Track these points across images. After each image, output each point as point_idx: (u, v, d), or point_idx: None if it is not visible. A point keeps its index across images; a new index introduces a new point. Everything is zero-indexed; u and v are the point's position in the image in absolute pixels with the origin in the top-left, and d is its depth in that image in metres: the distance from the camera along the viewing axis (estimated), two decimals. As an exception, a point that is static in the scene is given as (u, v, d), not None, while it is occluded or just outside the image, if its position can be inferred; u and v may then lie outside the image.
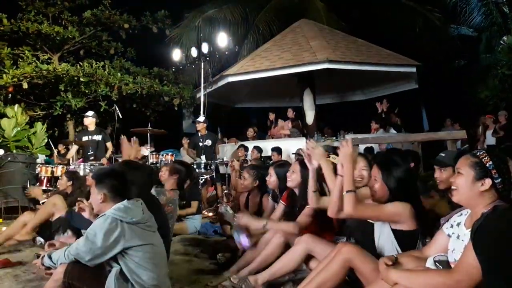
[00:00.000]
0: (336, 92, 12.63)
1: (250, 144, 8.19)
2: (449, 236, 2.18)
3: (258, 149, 7.69)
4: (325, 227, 3.17)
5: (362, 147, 6.15)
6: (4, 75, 9.56)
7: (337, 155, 2.78)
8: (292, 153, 6.94)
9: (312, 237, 2.87)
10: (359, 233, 2.76)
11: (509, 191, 1.96)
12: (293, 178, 3.40)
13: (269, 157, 7.46)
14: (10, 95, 10.11)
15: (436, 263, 2.12)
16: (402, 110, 9.70)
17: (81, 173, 5.74)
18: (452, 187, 2.08)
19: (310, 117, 9.88)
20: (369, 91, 12.31)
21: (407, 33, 12.99)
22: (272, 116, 10.07)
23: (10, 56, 10.52)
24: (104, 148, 7.03)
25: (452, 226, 2.19)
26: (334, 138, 8.62)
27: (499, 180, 1.91)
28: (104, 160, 6.90)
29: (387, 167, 2.60)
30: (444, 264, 2.10)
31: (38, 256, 2.61)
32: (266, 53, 10.01)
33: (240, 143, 8.40)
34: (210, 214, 6.37)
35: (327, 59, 8.61)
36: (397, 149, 4.77)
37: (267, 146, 8.12)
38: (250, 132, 9.85)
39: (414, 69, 9.46)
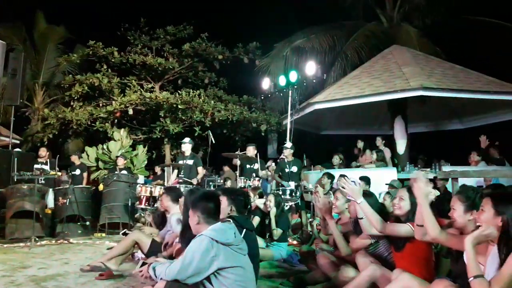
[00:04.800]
0: (430, 120, 11.95)
1: (336, 172, 8.03)
2: None
3: (345, 178, 7.51)
4: (425, 263, 3.00)
5: (461, 181, 5.69)
6: (113, 102, 10.71)
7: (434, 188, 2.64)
8: (386, 184, 6.65)
9: (412, 278, 2.72)
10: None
11: None
12: (401, 206, 3.29)
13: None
14: (116, 120, 11.25)
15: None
16: (503, 141, 8.80)
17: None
18: None
19: (401, 146, 9.44)
20: (467, 120, 11.44)
21: (510, 57, 11.94)
22: (360, 144, 9.81)
23: (118, 85, 11.76)
24: (195, 171, 7.44)
25: None
26: (428, 169, 8.10)
27: None
28: (194, 181, 7.30)
29: (504, 202, 2.26)
30: None
31: (143, 264, 2.79)
32: (354, 80, 9.89)
33: (325, 170, 8.28)
34: (295, 242, 6.33)
35: (421, 86, 8.24)
36: (502, 184, 4.32)
37: (354, 175, 7.90)
38: (336, 159, 9.67)
39: (520, 97, 8.61)
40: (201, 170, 7.59)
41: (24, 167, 7.09)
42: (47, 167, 7.98)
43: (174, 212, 4.67)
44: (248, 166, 7.68)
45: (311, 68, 9.68)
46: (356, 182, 3.38)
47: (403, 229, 3.06)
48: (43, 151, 8.46)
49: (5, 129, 10.36)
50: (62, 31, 16.90)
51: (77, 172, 8.54)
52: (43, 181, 7.19)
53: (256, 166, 7.68)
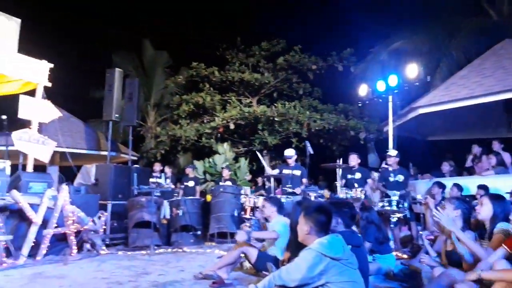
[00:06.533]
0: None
1: (447, 181, 7.46)
2: None
3: (458, 187, 6.95)
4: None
5: None
6: (216, 118, 11.41)
7: None
8: (506, 192, 5.99)
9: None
10: None
11: None
12: (482, 210, 3.01)
13: (473, 196, 6.62)
14: (219, 134, 11.94)
15: None
16: None
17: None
18: None
19: (522, 150, 8.43)
20: None
21: None
22: (476, 150, 8.97)
23: (220, 102, 12.50)
24: (300, 182, 7.52)
25: None
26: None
27: None
28: (297, 190, 7.39)
29: None
30: None
31: None
32: (462, 81, 9.14)
33: (435, 179, 7.74)
34: (405, 256, 6.01)
35: (544, 82, 7.33)
36: None
37: (468, 183, 7.27)
38: (446, 167, 8.99)
39: None
40: (305, 182, 7.67)
41: (142, 181, 7.86)
42: (161, 181, 8.74)
43: (278, 220, 4.78)
44: (349, 176, 7.51)
45: (412, 70, 9.19)
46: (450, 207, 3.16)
47: None
48: (157, 166, 9.29)
49: (125, 147, 11.58)
50: (167, 56, 18.51)
51: (191, 184, 9.19)
52: (158, 194, 7.87)
53: (358, 175, 7.49)
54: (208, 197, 8.59)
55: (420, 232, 6.40)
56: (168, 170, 9.23)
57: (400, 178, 7.41)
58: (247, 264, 5.00)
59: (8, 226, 5.52)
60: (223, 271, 4.61)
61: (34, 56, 6.91)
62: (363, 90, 10.42)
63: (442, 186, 7.10)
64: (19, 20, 6.79)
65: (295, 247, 3.10)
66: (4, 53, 6.47)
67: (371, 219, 5.08)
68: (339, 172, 7.25)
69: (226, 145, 10.77)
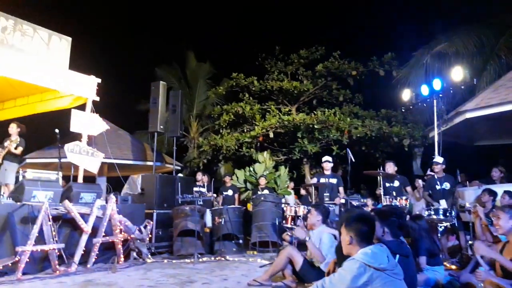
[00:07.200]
0: None
1: (498, 188, 7.09)
2: None
3: (511, 194, 6.57)
4: None
5: None
6: (256, 127, 11.51)
7: None
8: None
9: None
10: None
11: None
12: None
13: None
14: (259, 143, 12.03)
15: None
16: None
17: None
18: None
19: None
20: None
21: None
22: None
23: (259, 111, 12.61)
24: (337, 190, 7.46)
25: None
26: None
27: None
28: (337, 200, 7.31)
29: None
30: None
31: None
32: (512, 83, 8.68)
33: (484, 186, 7.38)
34: (453, 267, 5.77)
35: None
36: None
37: (522, 190, 6.85)
38: (496, 173, 8.54)
39: None
40: (342, 190, 7.59)
41: (186, 190, 8.04)
42: (204, 190, 8.91)
43: (322, 230, 4.72)
44: (387, 184, 7.34)
45: (457, 73, 8.86)
46: None
47: None
48: (199, 175, 9.49)
49: (169, 158, 11.92)
50: (208, 67, 18.93)
51: (229, 192, 9.34)
52: (201, 202, 8.02)
53: (397, 183, 7.32)
54: (249, 206, 8.66)
55: (470, 242, 6.13)
56: (205, 179, 9.40)
57: (447, 185, 7.16)
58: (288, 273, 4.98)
59: (61, 235, 5.82)
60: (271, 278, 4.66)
61: (82, 71, 7.32)
62: (406, 95, 10.15)
63: (492, 194, 6.74)
64: (69, 39, 7.24)
65: (340, 257, 3.07)
66: (57, 71, 6.91)
67: (422, 230, 4.90)
68: (380, 180, 7.10)
69: (266, 154, 10.85)
